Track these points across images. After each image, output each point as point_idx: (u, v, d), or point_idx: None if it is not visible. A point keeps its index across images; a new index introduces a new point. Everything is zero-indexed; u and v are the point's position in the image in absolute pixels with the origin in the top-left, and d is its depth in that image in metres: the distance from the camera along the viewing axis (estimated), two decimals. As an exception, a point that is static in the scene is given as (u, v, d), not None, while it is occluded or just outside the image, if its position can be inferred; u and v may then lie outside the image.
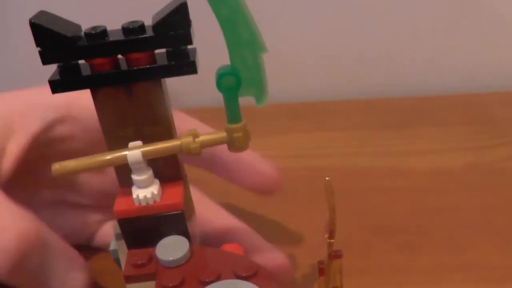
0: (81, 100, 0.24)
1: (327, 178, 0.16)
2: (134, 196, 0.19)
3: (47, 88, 0.24)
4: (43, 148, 0.25)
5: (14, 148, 0.24)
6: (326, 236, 0.16)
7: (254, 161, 0.27)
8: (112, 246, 0.22)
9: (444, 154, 0.40)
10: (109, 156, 0.19)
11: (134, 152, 0.19)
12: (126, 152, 0.19)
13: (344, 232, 0.27)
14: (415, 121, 0.45)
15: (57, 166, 0.19)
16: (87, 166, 0.19)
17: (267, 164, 0.27)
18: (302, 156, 0.42)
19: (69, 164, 0.19)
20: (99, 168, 0.19)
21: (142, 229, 0.20)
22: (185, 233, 0.20)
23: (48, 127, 0.25)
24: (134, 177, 0.19)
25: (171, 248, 0.20)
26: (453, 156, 0.40)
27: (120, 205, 0.20)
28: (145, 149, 0.19)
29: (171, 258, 0.19)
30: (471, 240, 0.31)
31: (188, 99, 0.42)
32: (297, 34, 0.48)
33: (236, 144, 0.19)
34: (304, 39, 0.48)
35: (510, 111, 0.45)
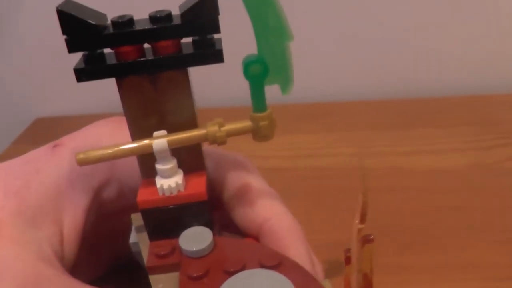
0: (124, 163, 0.22)
1: (359, 160, 0.16)
2: (158, 186, 0.19)
3: (80, 147, 0.22)
4: (96, 213, 0.24)
5: (73, 227, 0.22)
6: (356, 221, 0.16)
7: None
8: (132, 239, 0.22)
9: (447, 155, 0.40)
10: (134, 145, 0.19)
11: (160, 140, 0.19)
12: (151, 141, 0.19)
13: (348, 231, 0.28)
14: (419, 122, 0.45)
15: (82, 156, 0.19)
16: (112, 155, 0.19)
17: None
18: (306, 156, 0.42)
19: (93, 153, 0.19)
20: (124, 157, 0.19)
21: (166, 220, 0.20)
22: (208, 223, 0.20)
23: (96, 194, 0.23)
24: (158, 166, 0.19)
25: (194, 239, 0.19)
26: (456, 157, 0.40)
27: (143, 195, 0.20)
28: (170, 137, 0.19)
29: (195, 249, 0.19)
30: (474, 239, 0.32)
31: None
32: (302, 36, 0.48)
33: (262, 133, 0.19)
34: (308, 42, 0.48)
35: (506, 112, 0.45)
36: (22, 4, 0.48)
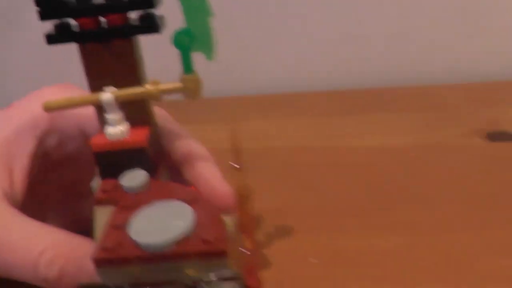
0: (62, 115, 0.28)
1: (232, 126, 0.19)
2: (107, 132, 0.24)
3: (27, 107, 0.28)
4: (41, 161, 0.28)
5: (20, 170, 0.27)
6: (234, 165, 0.20)
7: (213, 182, 0.27)
8: (94, 184, 0.26)
9: (396, 136, 0.45)
10: (88, 97, 0.23)
11: (107, 94, 0.23)
12: (101, 94, 0.23)
13: (301, 203, 0.33)
14: (371, 109, 0.50)
15: (47, 103, 0.24)
16: (70, 104, 0.24)
17: (224, 187, 0.27)
18: (260, 139, 0.47)
19: (56, 101, 0.24)
20: (81, 105, 0.24)
21: (112, 162, 0.24)
22: (148, 167, 0.24)
23: (40, 143, 0.28)
24: (107, 116, 0.24)
25: (132, 178, 0.24)
26: (404, 137, 0.45)
27: (96, 139, 0.24)
28: (116, 92, 0.23)
29: (130, 185, 0.23)
30: (415, 205, 0.36)
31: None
32: (262, 32, 0.54)
33: (190, 91, 0.23)
34: (268, 37, 0.53)
35: (456, 100, 0.50)
36: (23, 17, 0.55)
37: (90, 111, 0.25)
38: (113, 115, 0.23)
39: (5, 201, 0.25)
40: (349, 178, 0.39)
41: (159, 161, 0.26)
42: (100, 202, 0.24)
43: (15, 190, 0.26)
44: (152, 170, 0.24)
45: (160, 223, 0.21)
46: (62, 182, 0.30)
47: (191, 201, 0.22)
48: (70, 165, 0.29)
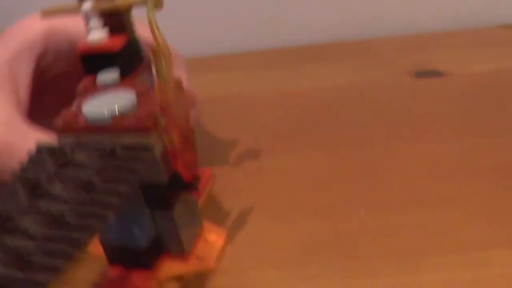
0: (55, 34, 0.33)
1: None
2: (88, 37, 0.29)
3: (20, 32, 0.32)
4: (39, 77, 0.33)
5: (24, 88, 0.32)
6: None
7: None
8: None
9: (328, 80, 0.50)
10: (75, 5, 0.29)
11: (87, 4, 0.28)
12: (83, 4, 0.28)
13: (245, 134, 0.41)
14: (307, 61, 0.54)
15: (43, 10, 0.29)
16: (62, 10, 0.29)
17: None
18: (221, 89, 0.52)
19: (51, 8, 0.29)
20: (70, 12, 0.29)
21: (93, 63, 0.29)
22: (122, 68, 0.29)
23: (38, 61, 0.32)
24: (89, 24, 0.28)
25: (106, 75, 0.28)
26: (335, 80, 0.49)
27: (81, 44, 0.29)
28: (93, 3, 0.28)
29: (102, 80, 0.28)
30: (339, 129, 0.42)
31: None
32: None
33: (152, 3, 0.27)
34: None
35: (386, 49, 0.54)
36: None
37: (80, 30, 0.30)
38: (92, 23, 0.28)
39: (19, 115, 0.31)
40: (284, 115, 0.45)
41: (137, 65, 0.30)
42: (80, 93, 0.29)
43: (22, 106, 0.32)
44: (125, 71, 0.29)
45: (105, 104, 0.25)
46: (58, 93, 0.35)
47: (139, 93, 0.26)
48: (65, 79, 0.35)
